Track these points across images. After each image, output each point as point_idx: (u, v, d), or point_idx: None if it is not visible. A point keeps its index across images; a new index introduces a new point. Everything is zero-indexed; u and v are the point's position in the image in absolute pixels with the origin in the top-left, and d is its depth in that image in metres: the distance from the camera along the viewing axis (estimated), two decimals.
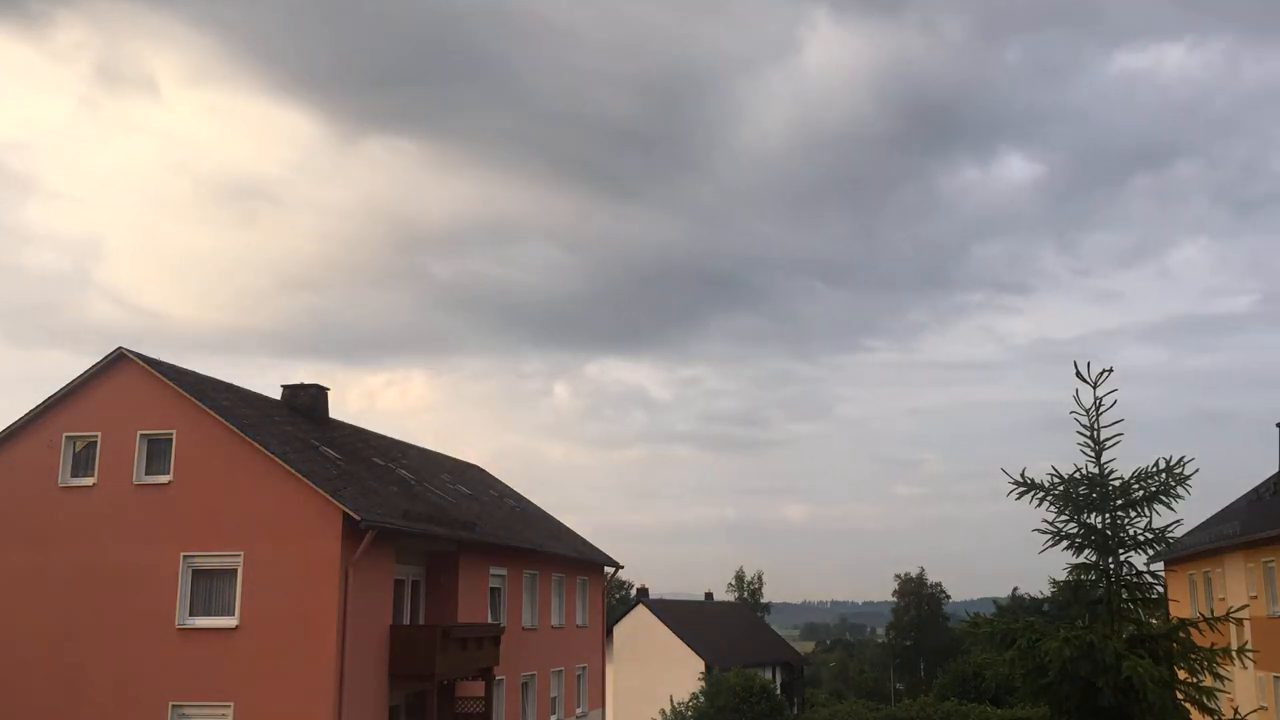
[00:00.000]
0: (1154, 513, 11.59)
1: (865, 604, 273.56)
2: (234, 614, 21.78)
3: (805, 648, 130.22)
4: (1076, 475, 11.81)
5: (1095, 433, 11.77)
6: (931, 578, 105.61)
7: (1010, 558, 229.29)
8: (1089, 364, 11.75)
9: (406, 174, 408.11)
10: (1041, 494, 11.86)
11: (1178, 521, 11.67)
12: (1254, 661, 14.91)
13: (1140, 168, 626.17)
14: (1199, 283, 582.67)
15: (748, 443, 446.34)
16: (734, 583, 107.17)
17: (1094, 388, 11.71)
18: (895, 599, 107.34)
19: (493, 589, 28.82)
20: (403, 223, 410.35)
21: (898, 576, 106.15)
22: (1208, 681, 11.25)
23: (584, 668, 37.10)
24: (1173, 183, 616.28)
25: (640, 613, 65.23)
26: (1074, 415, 11.85)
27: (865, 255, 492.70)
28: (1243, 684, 30.44)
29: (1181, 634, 11.22)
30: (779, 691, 58.64)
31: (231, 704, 21.24)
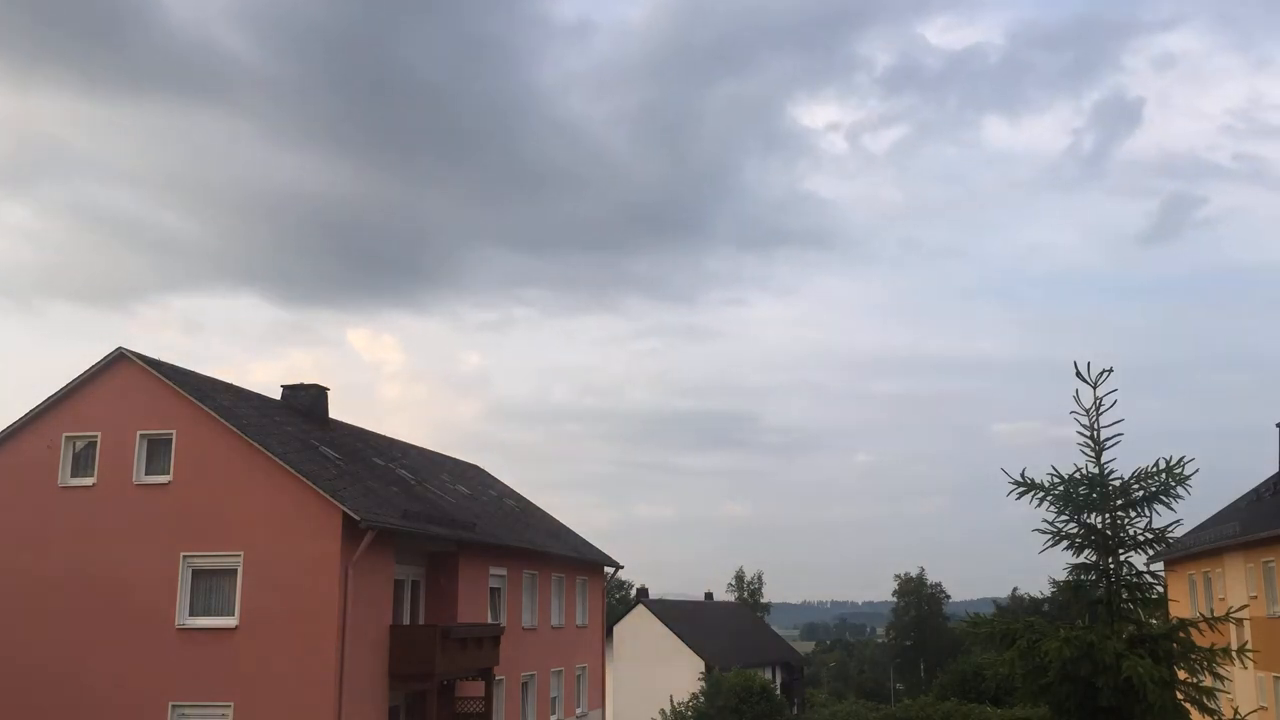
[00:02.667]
0: (1154, 513, 11.58)
1: (865, 604, 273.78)
2: (234, 614, 21.79)
3: (805, 648, 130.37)
4: (1076, 475, 11.78)
5: (1095, 433, 11.74)
6: (931, 578, 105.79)
7: (1010, 558, 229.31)
8: (1089, 364, 11.73)
9: None
10: (1041, 494, 11.85)
11: (1178, 521, 11.64)
12: (1254, 661, 14.90)
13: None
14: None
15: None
16: (734, 583, 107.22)
17: (1094, 388, 11.69)
18: (895, 599, 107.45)
19: (493, 589, 28.82)
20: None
21: (898, 576, 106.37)
22: (1208, 681, 11.24)
23: (584, 668, 37.10)
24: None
25: (640, 613, 65.24)
26: (1074, 415, 11.83)
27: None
28: (1242, 684, 30.43)
29: (1181, 634, 11.20)
30: (779, 691, 58.65)
31: (231, 704, 21.25)
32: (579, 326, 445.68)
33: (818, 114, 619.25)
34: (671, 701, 53.08)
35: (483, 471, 40.29)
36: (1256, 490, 37.30)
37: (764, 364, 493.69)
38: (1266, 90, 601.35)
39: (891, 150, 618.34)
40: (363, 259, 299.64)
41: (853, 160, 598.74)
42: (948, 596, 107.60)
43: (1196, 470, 11.41)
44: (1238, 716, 11.31)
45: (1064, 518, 11.81)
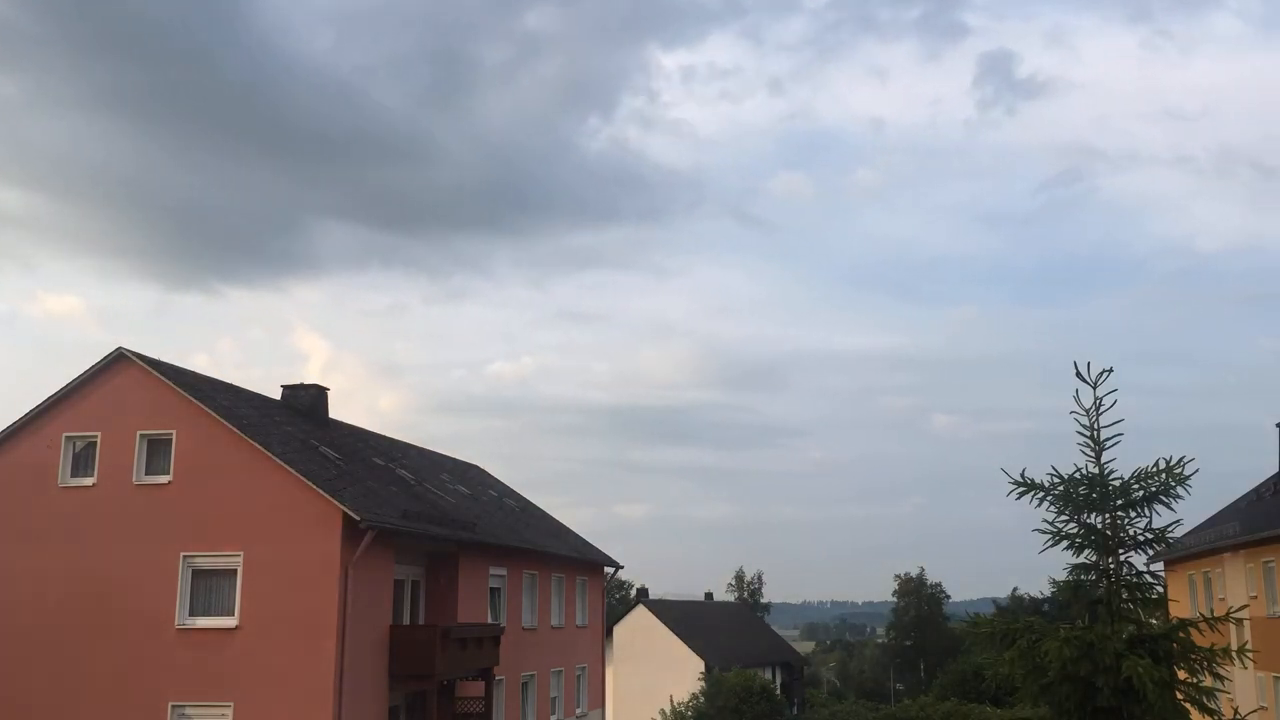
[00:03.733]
0: (1154, 513, 11.57)
1: (865, 604, 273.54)
2: (234, 614, 21.79)
3: (805, 648, 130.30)
4: (1076, 475, 11.78)
5: (1095, 433, 11.73)
6: (931, 578, 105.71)
7: (1010, 558, 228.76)
8: (1089, 364, 11.73)
9: None
10: (1041, 494, 11.84)
11: (1178, 521, 11.63)
12: (1254, 661, 14.91)
13: None
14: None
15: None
16: (734, 583, 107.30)
17: (1094, 388, 11.68)
18: (895, 599, 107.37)
19: (493, 589, 28.83)
20: None
21: (898, 576, 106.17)
22: (1208, 681, 11.23)
23: (584, 668, 37.10)
24: None
25: (640, 613, 65.28)
26: (1074, 415, 11.83)
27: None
28: (1242, 684, 30.42)
29: (1181, 634, 11.19)
30: (779, 691, 58.67)
31: (231, 704, 21.25)
32: (451, 314, 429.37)
33: (660, 63, 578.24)
34: (671, 701, 53.15)
35: (483, 471, 40.30)
36: (1256, 490, 37.31)
37: (676, 354, 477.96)
38: (1157, 66, 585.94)
39: (747, 114, 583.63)
40: (203, 237, 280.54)
41: (706, 122, 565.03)
42: (948, 596, 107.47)
43: (1197, 470, 11.42)
44: (1238, 716, 11.30)
45: (1064, 518, 11.81)
